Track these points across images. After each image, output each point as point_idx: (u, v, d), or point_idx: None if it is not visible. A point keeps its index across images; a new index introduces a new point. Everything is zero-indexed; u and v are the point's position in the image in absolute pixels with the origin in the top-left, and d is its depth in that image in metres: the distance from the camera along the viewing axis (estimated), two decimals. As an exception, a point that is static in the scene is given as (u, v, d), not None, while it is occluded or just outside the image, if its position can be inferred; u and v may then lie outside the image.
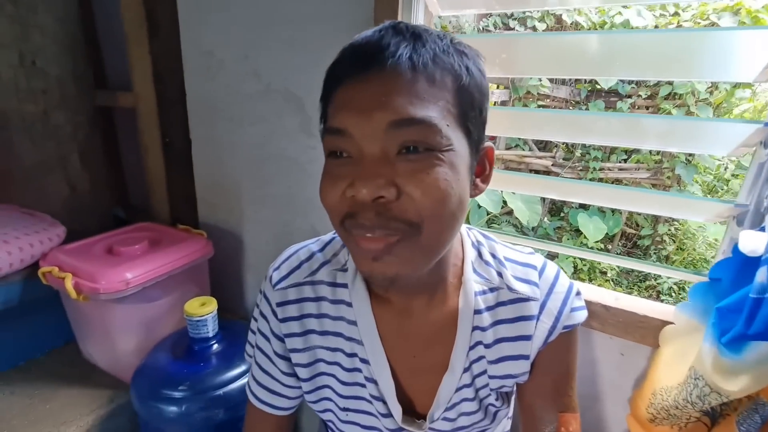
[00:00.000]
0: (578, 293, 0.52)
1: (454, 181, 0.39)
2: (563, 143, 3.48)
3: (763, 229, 0.51)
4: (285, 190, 1.03)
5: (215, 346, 0.88)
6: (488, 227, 3.11)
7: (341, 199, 0.40)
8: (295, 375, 0.56)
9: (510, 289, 0.49)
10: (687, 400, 0.54)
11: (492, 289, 0.50)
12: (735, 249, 0.53)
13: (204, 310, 0.85)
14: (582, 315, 0.51)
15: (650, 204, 0.69)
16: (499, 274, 0.50)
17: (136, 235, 1.05)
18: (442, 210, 0.38)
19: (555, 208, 3.68)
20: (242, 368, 0.85)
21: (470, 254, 0.51)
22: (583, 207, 3.41)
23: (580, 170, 3.45)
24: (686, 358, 0.57)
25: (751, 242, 0.48)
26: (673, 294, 3.08)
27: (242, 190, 1.11)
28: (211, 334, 0.87)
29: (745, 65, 0.56)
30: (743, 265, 0.52)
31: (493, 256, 0.52)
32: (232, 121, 1.06)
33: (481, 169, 0.45)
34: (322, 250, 0.55)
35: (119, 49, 1.24)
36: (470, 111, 0.41)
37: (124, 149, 1.45)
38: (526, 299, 0.49)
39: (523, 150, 3.65)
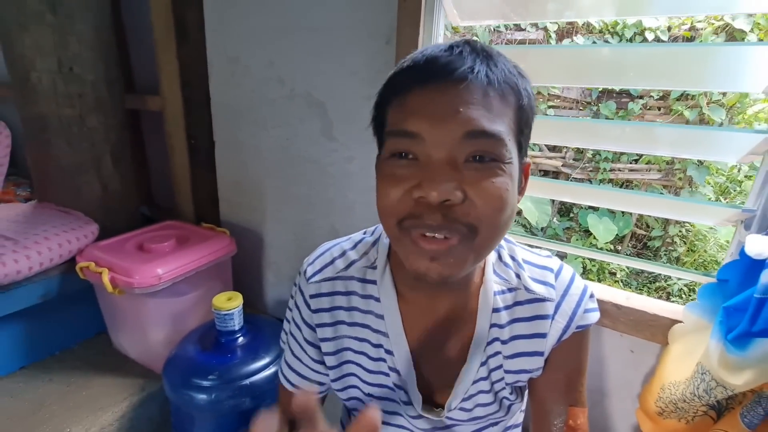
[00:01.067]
0: (592, 295, 0.54)
1: (512, 191, 0.42)
2: (573, 144, 3.47)
3: (768, 234, 0.54)
4: (306, 190, 1.08)
5: (241, 339, 0.93)
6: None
7: (403, 198, 0.42)
8: (323, 363, 0.60)
9: (527, 289, 0.53)
10: (694, 394, 0.57)
11: (510, 290, 0.53)
12: (742, 252, 0.56)
13: (231, 304, 0.90)
14: (594, 316, 0.54)
15: (660, 207, 0.72)
16: (518, 276, 0.53)
17: (164, 232, 1.10)
18: (499, 217, 0.41)
19: (564, 209, 3.68)
20: (267, 360, 0.90)
21: (491, 256, 0.54)
22: (593, 208, 3.41)
23: (590, 171, 3.44)
24: (694, 354, 0.60)
25: (758, 246, 0.51)
26: (684, 295, 3.07)
27: (264, 190, 1.16)
28: (237, 327, 0.92)
29: (755, 77, 0.59)
30: (749, 267, 0.55)
31: (512, 258, 0.55)
32: (256, 124, 1.11)
33: (520, 182, 0.48)
34: (353, 248, 0.58)
35: (147, 54, 1.30)
36: (525, 128, 0.44)
37: (149, 150, 1.51)
38: (543, 300, 0.52)
39: (533, 150, 3.66)
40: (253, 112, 1.10)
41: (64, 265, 0.99)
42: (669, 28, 3.03)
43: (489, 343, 0.53)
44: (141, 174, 1.46)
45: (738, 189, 3.25)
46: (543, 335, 0.52)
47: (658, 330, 0.69)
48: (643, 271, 3.28)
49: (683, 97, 3.04)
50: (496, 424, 0.60)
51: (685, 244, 3.34)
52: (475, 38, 0.59)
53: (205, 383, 0.84)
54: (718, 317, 0.54)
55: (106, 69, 1.09)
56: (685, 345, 0.64)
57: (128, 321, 1.01)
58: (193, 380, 0.84)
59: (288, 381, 0.63)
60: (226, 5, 1.06)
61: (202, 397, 0.83)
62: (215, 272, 1.09)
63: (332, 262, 0.58)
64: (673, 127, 0.62)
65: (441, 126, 0.40)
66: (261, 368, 0.88)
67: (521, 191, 0.49)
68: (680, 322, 0.67)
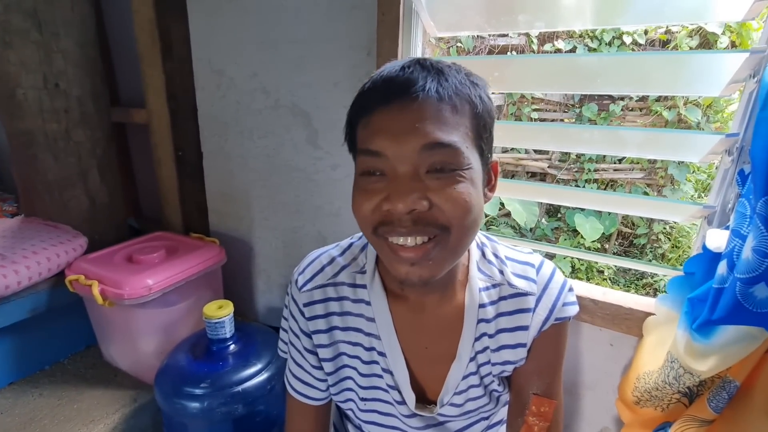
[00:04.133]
0: (571, 289, 0.57)
1: (474, 194, 0.45)
2: (558, 145, 3.54)
3: (727, 228, 0.57)
4: (293, 198, 1.10)
5: (232, 347, 0.94)
6: (487, 229, 3.18)
7: (375, 210, 0.45)
8: (323, 369, 0.61)
9: (510, 285, 0.55)
10: (665, 382, 0.60)
11: (494, 285, 0.56)
12: (704, 245, 0.59)
13: (222, 312, 0.91)
14: (573, 309, 0.56)
15: (632, 206, 0.76)
16: (501, 272, 0.56)
17: (153, 244, 1.11)
18: (467, 218, 0.45)
19: (552, 209, 3.74)
20: (258, 366, 0.91)
21: (475, 254, 0.57)
22: (580, 207, 3.47)
23: (576, 171, 3.52)
24: (665, 344, 0.63)
25: (716, 240, 0.54)
26: (669, 291, 3.14)
27: (252, 199, 1.17)
28: (228, 335, 0.92)
29: (713, 81, 0.63)
30: (711, 260, 0.58)
31: (495, 255, 0.58)
32: (242, 134, 1.13)
33: (489, 180, 0.52)
34: (341, 254, 0.60)
35: (131, 67, 1.31)
36: (483, 133, 0.47)
37: (136, 162, 1.52)
38: (525, 294, 0.55)
39: (520, 153, 3.73)
40: (239, 123, 1.12)
41: (53, 278, 1.00)
42: (646, 32, 3.13)
43: (477, 339, 0.55)
44: (128, 186, 1.47)
45: (718, 185, 3.34)
46: (525, 328, 0.55)
47: (634, 323, 0.73)
48: (630, 269, 3.35)
49: (662, 98, 3.13)
50: (486, 417, 0.62)
51: (669, 240, 3.42)
52: (426, 56, 0.63)
53: (197, 391, 0.84)
54: (683, 308, 0.58)
55: (92, 84, 1.10)
56: (657, 336, 0.67)
57: (119, 333, 1.01)
58: (185, 389, 0.85)
59: (294, 389, 0.63)
60: (210, 19, 1.08)
61: (195, 405, 0.84)
62: (205, 281, 1.10)
63: (322, 269, 0.59)
64: (637, 130, 0.66)
65: (401, 142, 0.43)
66: (253, 375, 0.89)
67: (492, 188, 0.52)
68: (653, 314, 0.70)
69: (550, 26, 0.76)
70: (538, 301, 0.55)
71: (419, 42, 0.85)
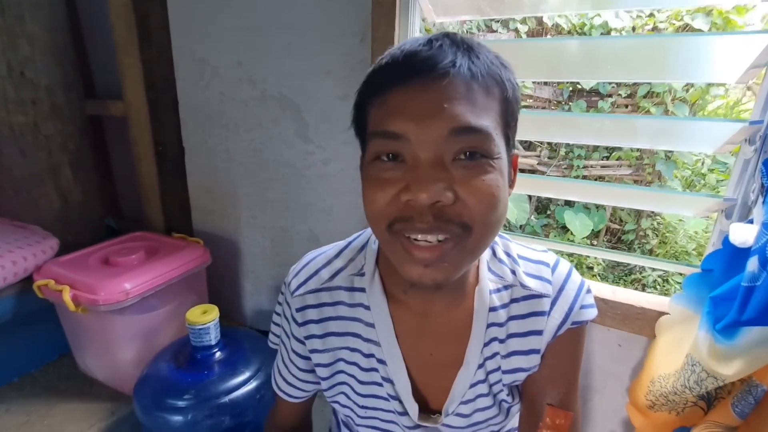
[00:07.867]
0: (589, 291, 0.53)
1: (503, 186, 0.40)
2: (547, 142, 3.55)
3: (751, 222, 0.54)
4: (282, 195, 1.04)
5: (218, 354, 0.88)
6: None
7: (391, 202, 0.40)
8: (311, 371, 0.58)
9: (523, 285, 0.51)
10: (685, 386, 0.56)
11: (506, 287, 0.51)
12: (725, 241, 0.56)
13: (206, 318, 0.85)
14: (591, 313, 0.52)
15: (645, 200, 0.72)
16: (513, 272, 0.52)
17: (132, 245, 1.04)
18: (492, 214, 0.40)
19: (541, 206, 3.75)
20: (246, 375, 0.85)
21: (485, 254, 0.52)
22: (569, 204, 3.48)
23: (565, 168, 3.52)
24: (682, 346, 0.60)
25: (742, 234, 0.51)
26: (658, 286, 3.17)
27: (238, 196, 1.11)
28: (213, 342, 0.87)
29: (724, 67, 0.60)
30: (733, 256, 0.55)
31: (507, 254, 0.53)
32: (226, 128, 1.06)
33: (509, 175, 0.47)
34: (338, 255, 0.56)
35: (107, 56, 1.23)
36: (511, 121, 0.43)
37: (114, 158, 1.43)
38: (539, 296, 0.50)
39: (509, 149, 3.71)
40: (224, 116, 1.06)
41: (20, 284, 0.92)
42: (633, 29, 3.14)
43: (487, 344, 0.51)
44: (106, 184, 1.39)
45: (702, 182, 3.39)
46: (539, 332, 0.50)
47: (646, 323, 0.69)
48: (618, 265, 3.37)
49: (649, 94, 3.16)
50: (496, 431, 0.58)
51: (657, 236, 3.45)
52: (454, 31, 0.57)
53: (180, 403, 0.79)
54: (705, 307, 0.54)
55: (62, 73, 1.02)
56: (672, 337, 0.64)
57: (94, 341, 0.94)
58: (167, 401, 0.79)
59: (278, 386, 0.62)
60: (191, 4, 1.01)
61: (178, 418, 0.78)
62: (188, 284, 1.03)
63: (317, 272, 0.55)
64: (652, 118, 0.62)
65: (426, 124, 0.38)
66: (241, 384, 0.84)
67: (511, 184, 0.47)
68: (667, 314, 0.67)
69: (554, 9, 0.72)
70: (553, 303, 0.51)
71: (417, 28, 0.80)
